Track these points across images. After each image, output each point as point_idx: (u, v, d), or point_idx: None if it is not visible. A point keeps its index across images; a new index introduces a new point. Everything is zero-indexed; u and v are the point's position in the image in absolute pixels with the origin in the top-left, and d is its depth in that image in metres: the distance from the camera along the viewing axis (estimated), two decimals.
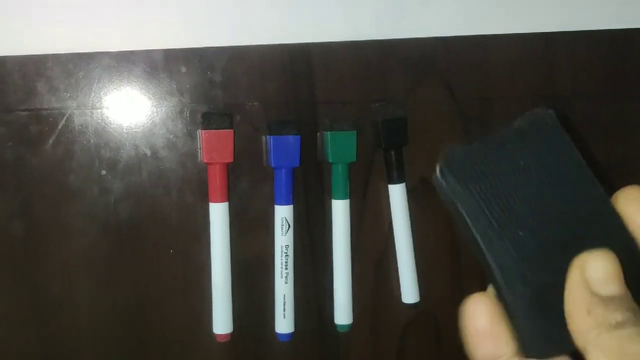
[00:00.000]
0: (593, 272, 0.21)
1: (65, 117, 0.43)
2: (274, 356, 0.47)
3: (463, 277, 0.50)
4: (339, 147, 0.45)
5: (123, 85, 0.43)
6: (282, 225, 0.45)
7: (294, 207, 0.45)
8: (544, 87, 0.49)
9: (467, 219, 0.24)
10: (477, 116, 0.48)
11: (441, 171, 0.25)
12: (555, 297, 0.22)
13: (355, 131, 0.46)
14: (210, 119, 0.43)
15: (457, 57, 0.47)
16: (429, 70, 0.47)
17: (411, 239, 0.47)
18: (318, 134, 0.46)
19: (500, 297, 0.23)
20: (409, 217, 0.47)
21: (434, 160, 0.44)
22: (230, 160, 0.44)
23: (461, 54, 0.47)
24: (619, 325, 0.20)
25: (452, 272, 0.49)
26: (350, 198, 0.46)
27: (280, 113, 0.45)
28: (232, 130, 0.43)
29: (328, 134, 0.45)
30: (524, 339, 0.22)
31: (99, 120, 0.43)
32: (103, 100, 0.43)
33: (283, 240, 0.45)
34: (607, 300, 0.20)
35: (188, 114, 0.44)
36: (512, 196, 0.23)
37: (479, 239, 0.24)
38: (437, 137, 0.48)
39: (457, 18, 0.47)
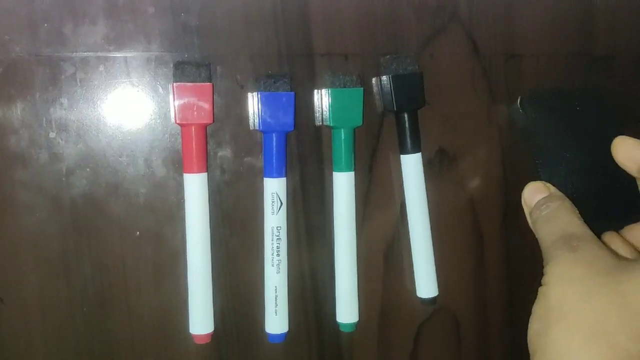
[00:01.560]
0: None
1: (4, 66, 0.35)
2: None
3: (486, 268, 0.42)
4: (342, 108, 0.37)
5: (77, 27, 0.35)
6: (273, 202, 0.37)
7: (287, 180, 0.38)
8: (579, 45, 0.41)
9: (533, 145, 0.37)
10: (503, 75, 0.41)
11: (521, 102, 0.38)
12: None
13: (362, 88, 0.38)
14: (185, 70, 0.35)
15: (482, 6, 0.40)
16: (448, 19, 0.40)
17: (428, 222, 0.40)
18: (315, 91, 0.38)
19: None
20: (425, 195, 0.39)
21: (455, 127, 0.37)
22: (209, 121, 0.36)
23: (487, 2, 0.40)
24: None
25: (475, 262, 0.42)
26: (355, 171, 0.38)
27: (270, 66, 0.37)
28: (211, 84, 0.36)
29: (328, 91, 0.37)
30: None
31: (47, 70, 0.35)
32: (52, 44, 0.35)
33: (274, 220, 0.37)
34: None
35: (156, 65, 0.36)
36: (567, 141, 0.37)
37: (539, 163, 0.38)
38: (456, 98, 0.40)
39: None
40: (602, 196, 0.38)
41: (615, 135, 0.34)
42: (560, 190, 0.35)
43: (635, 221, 0.37)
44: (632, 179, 0.34)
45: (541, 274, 0.30)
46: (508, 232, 0.42)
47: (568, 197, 0.35)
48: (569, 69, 0.41)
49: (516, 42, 0.41)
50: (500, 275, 0.42)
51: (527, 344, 0.29)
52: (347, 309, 0.39)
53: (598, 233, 0.33)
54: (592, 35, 0.42)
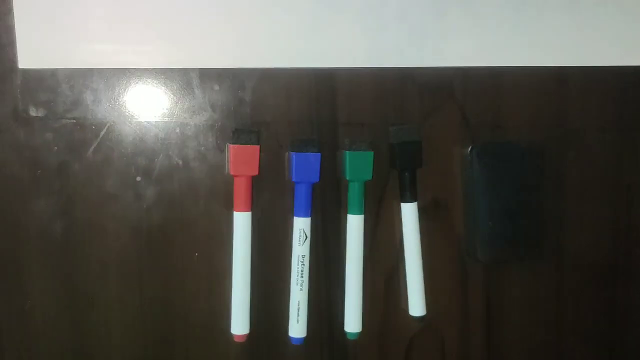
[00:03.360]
0: None
1: (106, 127, 0.47)
2: (287, 358, 0.50)
3: (468, 294, 0.52)
4: (357, 165, 0.48)
5: (160, 100, 0.47)
6: (300, 236, 0.48)
7: (311, 219, 0.49)
8: (555, 119, 0.52)
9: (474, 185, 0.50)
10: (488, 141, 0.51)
11: (471, 151, 0.50)
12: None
13: (372, 152, 0.49)
14: (239, 135, 0.47)
15: (473, 87, 0.50)
16: (445, 97, 0.50)
17: (420, 255, 0.50)
18: (338, 152, 0.49)
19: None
20: (419, 235, 0.50)
21: (446, 182, 0.47)
22: (255, 173, 0.47)
23: (477, 83, 0.50)
24: None
25: (458, 288, 0.52)
26: (365, 214, 0.49)
27: (303, 132, 0.48)
28: (258, 146, 0.47)
29: (347, 154, 0.48)
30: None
31: (137, 131, 0.47)
32: (141, 112, 0.47)
33: (300, 250, 0.49)
34: None
35: (218, 129, 0.47)
36: (499, 186, 0.50)
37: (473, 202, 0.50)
38: (449, 160, 0.51)
39: (474, 50, 0.50)
40: (515, 235, 0.50)
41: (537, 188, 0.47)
42: (483, 226, 0.49)
43: (536, 259, 0.50)
44: (540, 224, 0.46)
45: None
46: (487, 265, 0.52)
47: (488, 232, 0.49)
48: (546, 138, 0.52)
49: (501, 116, 0.51)
50: (480, 299, 0.53)
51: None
52: (353, 321, 0.50)
53: (505, 264, 0.50)
54: (562, 110, 0.52)
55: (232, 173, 0.47)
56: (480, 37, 0.50)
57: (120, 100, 0.47)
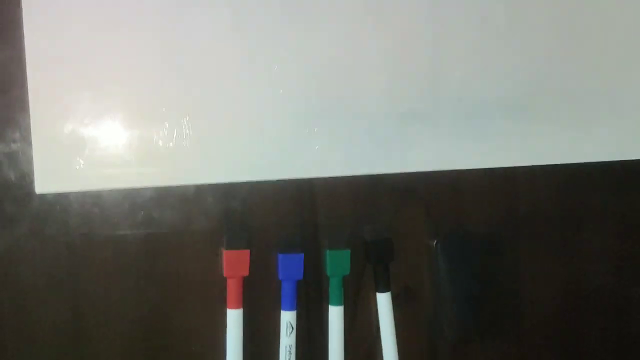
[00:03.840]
0: None
1: (113, 243, 0.53)
2: None
3: None
4: (336, 262, 0.55)
5: (161, 212, 0.53)
6: (287, 328, 0.54)
7: (297, 312, 0.55)
8: (507, 212, 0.59)
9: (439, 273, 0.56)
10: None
11: (437, 246, 0.57)
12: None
13: (349, 250, 0.55)
14: (231, 241, 0.53)
15: (435, 187, 0.58)
16: (411, 198, 0.57)
17: (395, 340, 0.56)
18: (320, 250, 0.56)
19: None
20: (393, 321, 0.56)
21: (415, 272, 0.53)
22: (246, 274, 0.53)
23: (438, 184, 0.58)
24: None
25: None
26: (344, 304, 0.56)
27: (288, 235, 0.55)
28: (248, 250, 0.53)
29: (327, 252, 0.55)
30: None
31: (141, 239, 0.53)
32: (146, 224, 0.53)
33: (287, 340, 0.54)
34: None
35: (213, 235, 0.54)
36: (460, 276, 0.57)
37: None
38: (418, 253, 0.58)
39: (434, 156, 0.57)
40: (477, 316, 0.58)
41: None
42: (449, 310, 0.56)
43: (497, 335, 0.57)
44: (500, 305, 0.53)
45: None
46: (455, 344, 0.59)
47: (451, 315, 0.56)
48: (502, 227, 0.59)
49: (461, 212, 0.58)
50: None
51: None
52: None
53: (466, 342, 0.56)
54: (514, 205, 0.59)
55: (225, 275, 0.53)
56: (439, 145, 0.57)
57: (127, 215, 0.53)
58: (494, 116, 0.58)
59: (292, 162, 0.55)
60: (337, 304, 0.55)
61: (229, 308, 0.53)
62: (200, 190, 0.54)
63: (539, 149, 0.59)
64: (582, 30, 0.59)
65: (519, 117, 0.58)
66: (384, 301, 0.56)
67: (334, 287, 0.55)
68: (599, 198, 0.60)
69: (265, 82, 0.54)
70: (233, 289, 0.53)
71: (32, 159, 0.50)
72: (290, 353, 0.54)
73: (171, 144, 0.52)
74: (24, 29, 0.50)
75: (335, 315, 0.55)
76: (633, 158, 0.59)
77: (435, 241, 0.57)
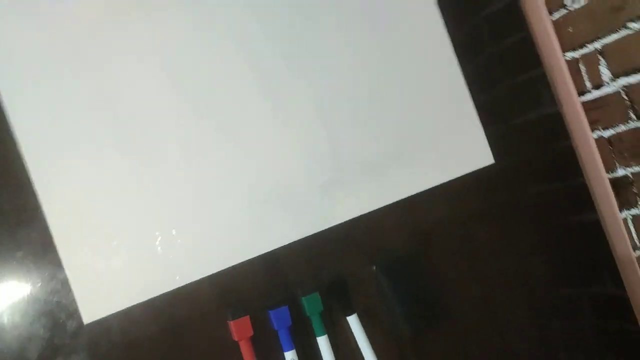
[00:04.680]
0: None
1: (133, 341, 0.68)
2: None
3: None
4: (311, 304, 0.74)
5: (177, 308, 0.69)
6: None
7: (295, 350, 0.72)
8: (412, 235, 0.81)
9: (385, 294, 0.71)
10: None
11: (375, 270, 0.76)
12: None
13: (317, 292, 0.74)
14: (234, 313, 0.70)
15: (358, 229, 0.79)
16: (351, 241, 0.78)
17: (369, 345, 0.75)
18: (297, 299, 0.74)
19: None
20: (364, 333, 0.75)
21: (369, 293, 0.73)
22: (251, 334, 0.70)
23: (361, 227, 0.79)
24: None
25: None
26: (327, 333, 0.74)
27: (275, 300, 0.73)
28: (247, 316, 0.70)
29: (303, 299, 0.73)
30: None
31: (169, 329, 0.68)
32: (169, 322, 0.69)
33: None
34: None
35: (220, 314, 0.70)
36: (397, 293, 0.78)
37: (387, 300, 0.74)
38: (365, 278, 0.78)
39: (352, 205, 0.78)
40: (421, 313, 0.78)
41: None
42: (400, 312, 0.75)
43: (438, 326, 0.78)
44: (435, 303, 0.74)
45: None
46: (413, 337, 0.78)
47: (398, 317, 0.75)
48: (414, 247, 0.80)
49: (385, 241, 0.80)
50: None
51: None
52: None
53: (417, 335, 0.76)
54: (416, 227, 0.82)
55: (236, 339, 0.70)
56: (351, 198, 0.79)
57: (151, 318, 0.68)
58: (379, 172, 0.81)
59: (255, 240, 0.74)
60: (321, 334, 0.74)
61: None
62: (201, 283, 0.71)
63: (396, 188, 0.82)
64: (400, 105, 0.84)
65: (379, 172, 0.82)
66: (353, 321, 0.76)
67: (315, 322, 0.74)
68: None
69: (221, 185, 0.73)
70: (245, 347, 0.70)
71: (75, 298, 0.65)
72: None
73: (166, 250, 0.69)
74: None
75: (324, 343, 0.74)
76: (457, 176, 0.84)
77: (374, 267, 0.78)
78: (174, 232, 0.70)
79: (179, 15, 0.75)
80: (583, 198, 0.88)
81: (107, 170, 0.70)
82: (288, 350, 0.72)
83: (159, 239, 0.69)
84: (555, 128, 0.88)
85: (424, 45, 0.85)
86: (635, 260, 0.86)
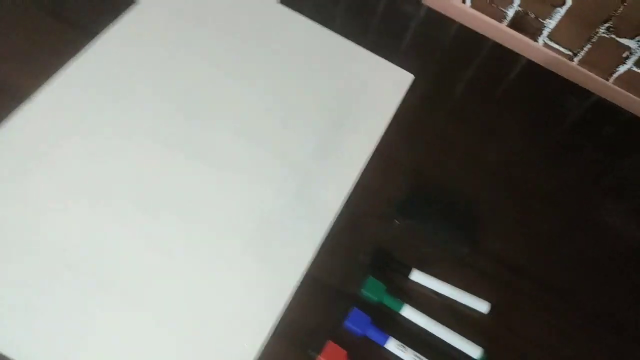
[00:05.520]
0: None
1: None
2: None
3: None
4: (374, 290, 0.69)
5: None
6: (399, 349, 0.66)
7: (391, 336, 0.67)
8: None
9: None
10: None
11: (399, 223, 0.73)
12: None
13: (370, 276, 0.70)
14: (316, 349, 0.64)
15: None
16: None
17: (452, 286, 0.71)
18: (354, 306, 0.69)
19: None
20: (437, 280, 0.71)
21: (410, 247, 0.69)
22: (344, 352, 0.64)
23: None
24: None
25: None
26: (405, 302, 0.69)
27: (339, 312, 0.68)
28: (329, 341, 0.65)
29: (363, 292, 0.69)
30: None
31: None
32: None
33: (407, 355, 0.66)
34: None
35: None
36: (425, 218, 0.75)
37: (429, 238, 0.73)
38: (393, 246, 0.74)
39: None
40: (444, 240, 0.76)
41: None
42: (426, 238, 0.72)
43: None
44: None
45: None
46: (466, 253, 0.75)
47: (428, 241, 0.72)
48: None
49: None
50: None
51: None
52: None
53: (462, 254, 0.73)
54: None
55: None
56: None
57: None
58: None
59: (272, 294, 0.69)
60: (401, 307, 0.69)
61: None
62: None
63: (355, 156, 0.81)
64: None
65: None
66: (417, 275, 0.72)
67: (388, 301, 0.69)
68: None
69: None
70: None
71: None
72: (418, 356, 0.66)
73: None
74: None
75: (408, 311, 0.69)
76: (395, 108, 0.84)
77: (395, 221, 0.75)
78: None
79: None
80: None
81: None
82: (386, 342, 0.67)
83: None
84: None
85: None
86: None
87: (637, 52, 0.89)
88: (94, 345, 0.61)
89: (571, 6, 0.88)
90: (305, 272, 0.70)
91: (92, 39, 0.81)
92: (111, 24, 0.83)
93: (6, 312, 0.61)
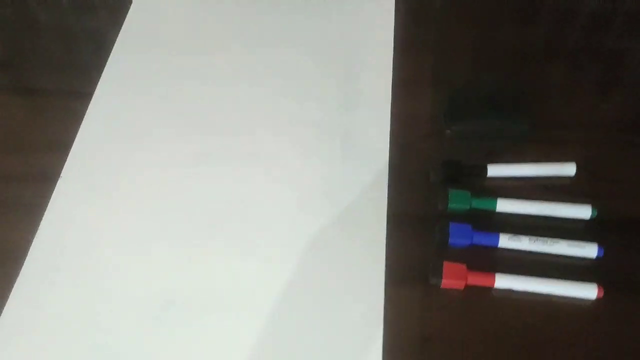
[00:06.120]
0: None
1: None
2: None
3: None
4: (461, 199, 0.67)
5: None
6: (509, 241, 0.63)
7: (498, 233, 0.64)
8: None
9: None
10: None
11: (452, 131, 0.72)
12: None
13: (449, 190, 0.67)
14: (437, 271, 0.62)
15: None
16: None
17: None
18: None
19: None
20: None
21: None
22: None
23: None
24: None
25: None
26: (496, 198, 0.67)
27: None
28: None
29: (450, 207, 0.66)
30: None
31: None
32: None
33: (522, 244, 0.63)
34: None
35: None
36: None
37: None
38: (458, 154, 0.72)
39: None
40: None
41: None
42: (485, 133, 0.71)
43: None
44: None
45: None
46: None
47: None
48: None
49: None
50: None
51: None
52: None
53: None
54: None
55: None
56: None
57: None
58: None
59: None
60: (494, 203, 0.66)
61: None
62: None
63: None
64: None
65: None
66: (493, 169, 0.69)
67: (481, 203, 0.67)
68: None
69: None
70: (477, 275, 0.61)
71: None
72: (534, 240, 0.63)
73: None
74: None
75: (503, 204, 0.66)
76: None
77: (447, 131, 0.73)
78: None
79: None
80: None
81: None
82: (498, 241, 0.64)
83: None
84: None
85: None
86: None
87: None
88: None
89: None
90: (386, 216, 0.67)
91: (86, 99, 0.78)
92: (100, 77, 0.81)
93: None
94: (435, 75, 0.80)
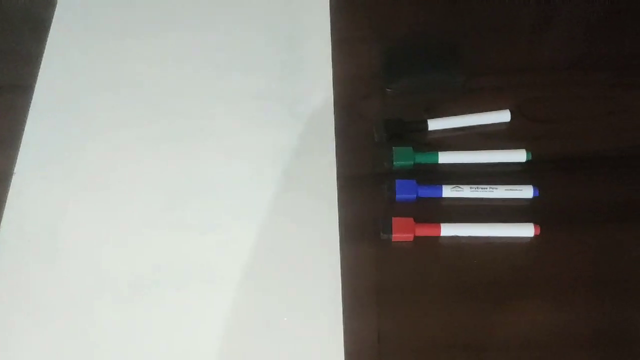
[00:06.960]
0: None
1: None
2: None
3: None
4: (403, 155, 0.70)
5: None
6: (453, 191, 0.67)
7: (442, 185, 0.68)
8: None
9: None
10: None
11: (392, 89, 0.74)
12: None
13: (393, 147, 0.71)
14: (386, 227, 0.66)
15: None
16: None
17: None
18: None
19: None
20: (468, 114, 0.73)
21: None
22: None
23: None
24: None
25: None
26: (436, 153, 0.70)
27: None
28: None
29: (395, 164, 0.70)
30: None
31: None
32: None
33: (457, 192, 0.68)
34: None
35: None
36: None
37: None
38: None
39: None
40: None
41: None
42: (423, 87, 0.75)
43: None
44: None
45: None
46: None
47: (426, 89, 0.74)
48: None
49: None
50: None
51: None
52: None
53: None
54: None
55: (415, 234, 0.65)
56: None
57: None
58: None
59: None
60: (436, 157, 0.70)
61: None
62: None
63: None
64: None
65: None
66: (434, 123, 0.73)
67: (424, 157, 0.70)
68: None
69: None
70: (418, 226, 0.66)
71: None
72: (475, 188, 0.67)
73: None
74: None
75: (444, 157, 0.70)
76: None
77: (387, 90, 0.76)
78: None
79: None
80: None
81: None
82: (441, 192, 0.68)
83: None
84: None
85: None
86: None
87: None
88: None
89: None
90: (337, 178, 0.70)
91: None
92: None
93: None
94: (375, 32, 0.81)
